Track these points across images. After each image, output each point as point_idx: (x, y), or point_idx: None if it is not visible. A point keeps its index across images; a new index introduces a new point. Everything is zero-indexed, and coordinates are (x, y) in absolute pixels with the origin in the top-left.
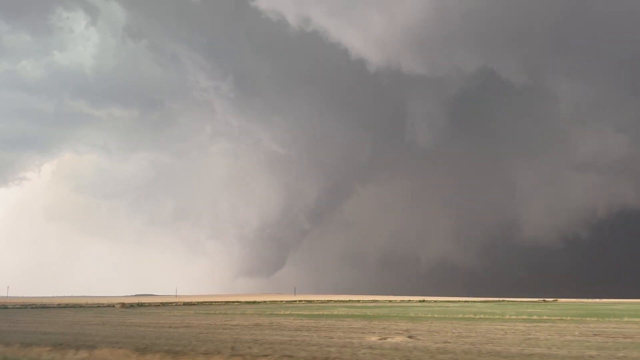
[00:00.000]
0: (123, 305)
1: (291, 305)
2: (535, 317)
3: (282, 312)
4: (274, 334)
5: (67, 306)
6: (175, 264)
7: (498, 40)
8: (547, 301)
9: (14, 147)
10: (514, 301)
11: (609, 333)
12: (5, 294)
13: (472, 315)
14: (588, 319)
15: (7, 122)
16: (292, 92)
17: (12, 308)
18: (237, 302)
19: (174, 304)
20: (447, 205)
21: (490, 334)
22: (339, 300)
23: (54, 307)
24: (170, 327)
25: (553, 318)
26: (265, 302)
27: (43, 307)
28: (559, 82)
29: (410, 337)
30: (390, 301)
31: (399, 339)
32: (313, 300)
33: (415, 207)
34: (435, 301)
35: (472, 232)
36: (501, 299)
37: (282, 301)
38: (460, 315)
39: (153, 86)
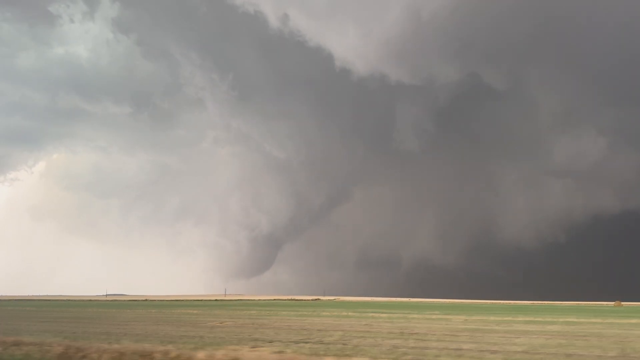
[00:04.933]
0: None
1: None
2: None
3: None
4: None
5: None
6: (162, 263)
7: (481, 49)
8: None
9: (5, 143)
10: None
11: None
12: None
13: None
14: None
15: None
16: (286, 96)
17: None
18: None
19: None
20: (431, 207)
21: None
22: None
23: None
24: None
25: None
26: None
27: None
28: (539, 88)
29: None
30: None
31: None
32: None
33: (401, 209)
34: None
35: (454, 232)
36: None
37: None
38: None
39: (149, 83)
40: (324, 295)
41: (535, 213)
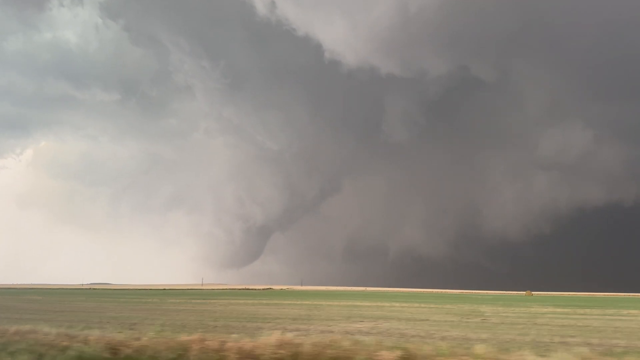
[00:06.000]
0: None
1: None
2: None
3: None
4: None
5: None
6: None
7: (470, 42)
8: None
9: None
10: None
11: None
12: None
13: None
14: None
15: None
16: (277, 85)
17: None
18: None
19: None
20: (419, 198)
21: None
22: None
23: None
24: None
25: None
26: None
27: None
28: (526, 81)
29: None
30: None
31: None
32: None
33: (389, 200)
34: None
35: (441, 223)
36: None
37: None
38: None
39: (138, 70)
40: (302, 284)
41: (522, 204)
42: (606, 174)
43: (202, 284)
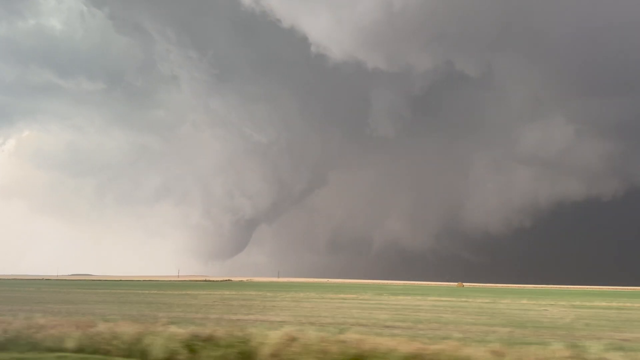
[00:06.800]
0: None
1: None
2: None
3: None
4: None
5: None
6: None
7: (455, 37)
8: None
9: None
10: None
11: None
12: None
13: None
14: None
15: None
16: (264, 78)
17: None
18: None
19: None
20: (403, 191)
21: None
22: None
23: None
24: None
25: None
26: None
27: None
28: (509, 77)
29: None
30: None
31: None
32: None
33: (374, 193)
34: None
35: (424, 215)
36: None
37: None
38: None
39: (123, 59)
40: (279, 276)
41: (503, 198)
42: (586, 169)
43: (178, 276)
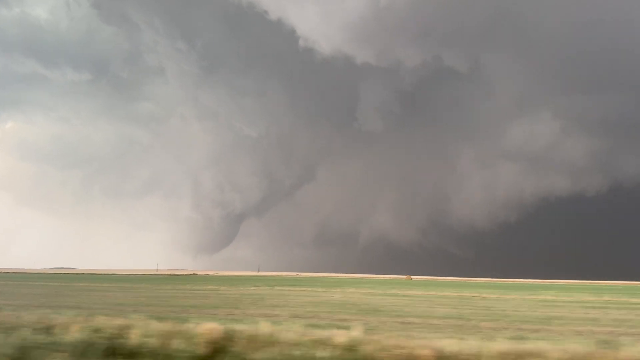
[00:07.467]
0: None
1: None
2: None
3: None
4: None
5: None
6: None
7: (443, 31)
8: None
9: None
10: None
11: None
12: None
13: None
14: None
15: None
16: (254, 71)
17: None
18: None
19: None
20: (391, 186)
21: None
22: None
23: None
24: None
25: None
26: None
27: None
28: (496, 72)
29: None
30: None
31: None
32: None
33: (361, 187)
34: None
35: (411, 210)
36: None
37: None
38: None
39: (109, 49)
40: (259, 271)
41: (489, 193)
42: (571, 164)
43: (156, 270)
